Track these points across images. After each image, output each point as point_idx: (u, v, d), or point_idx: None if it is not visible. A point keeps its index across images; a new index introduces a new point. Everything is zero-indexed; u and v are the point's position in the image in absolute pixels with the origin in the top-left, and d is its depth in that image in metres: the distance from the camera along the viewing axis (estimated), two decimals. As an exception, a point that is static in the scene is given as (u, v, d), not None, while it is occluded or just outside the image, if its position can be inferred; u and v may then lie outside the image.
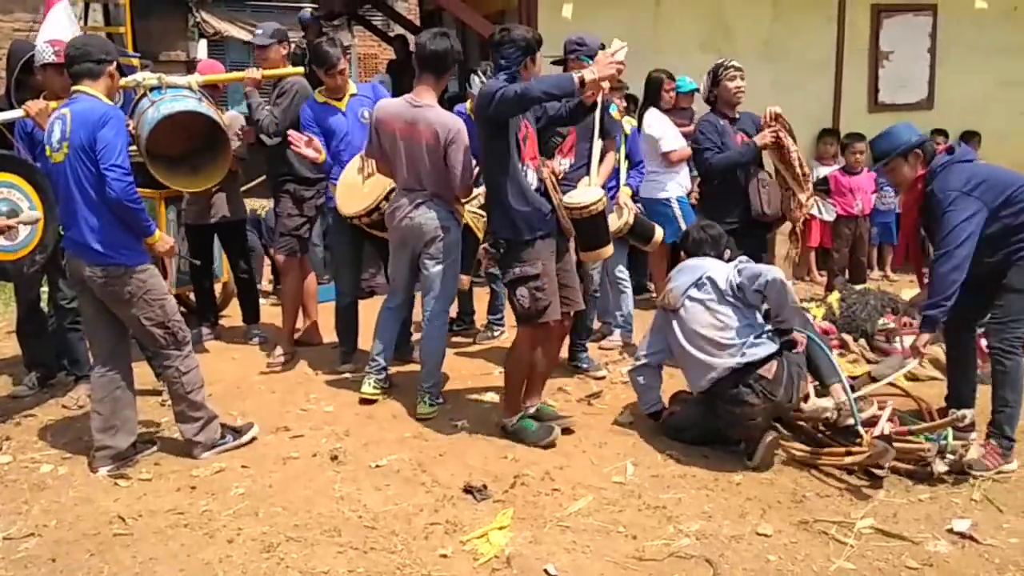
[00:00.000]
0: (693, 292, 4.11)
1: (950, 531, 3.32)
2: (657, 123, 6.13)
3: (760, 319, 4.04)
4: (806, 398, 3.98)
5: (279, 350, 5.43)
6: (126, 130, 3.83)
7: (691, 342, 4.04)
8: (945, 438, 3.83)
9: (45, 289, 5.03)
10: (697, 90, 6.78)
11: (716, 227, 4.46)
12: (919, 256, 4.22)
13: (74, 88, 3.82)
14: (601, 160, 4.81)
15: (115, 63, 3.89)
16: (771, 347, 3.90)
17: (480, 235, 4.90)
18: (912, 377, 5.00)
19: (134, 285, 3.81)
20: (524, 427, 4.24)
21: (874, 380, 4.71)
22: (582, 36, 4.73)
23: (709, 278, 4.10)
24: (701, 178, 5.30)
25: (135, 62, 5.65)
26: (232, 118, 5.71)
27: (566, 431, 4.32)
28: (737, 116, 5.19)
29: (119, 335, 4.00)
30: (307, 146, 4.89)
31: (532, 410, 4.36)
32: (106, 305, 3.89)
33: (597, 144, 4.70)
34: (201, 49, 12.46)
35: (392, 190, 4.64)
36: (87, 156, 3.69)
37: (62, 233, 3.98)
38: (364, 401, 4.69)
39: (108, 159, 3.65)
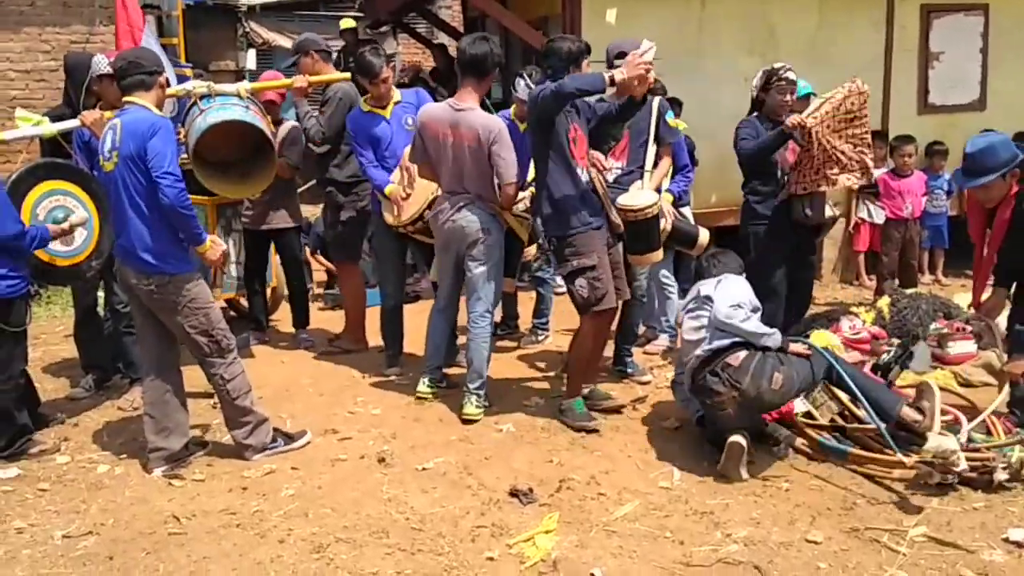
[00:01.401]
0: (690, 306, 4.19)
1: (1006, 540, 3.24)
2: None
3: None
4: (786, 390, 3.84)
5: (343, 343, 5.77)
6: (175, 138, 3.93)
7: (684, 354, 4.12)
8: (1012, 450, 3.75)
9: (102, 293, 5.16)
10: (814, 94, 6.75)
11: (729, 253, 4.45)
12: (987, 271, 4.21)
13: (125, 99, 3.92)
14: (655, 165, 4.88)
15: (164, 74, 3.99)
16: (738, 338, 3.87)
17: (524, 238, 4.92)
18: (965, 383, 4.92)
19: (179, 294, 3.89)
20: (574, 407, 4.46)
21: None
22: (619, 44, 4.74)
23: (698, 292, 4.19)
24: (744, 178, 5.23)
25: (188, 72, 5.78)
26: (289, 127, 5.79)
27: (616, 411, 4.60)
28: (782, 120, 5.11)
29: (168, 340, 4.09)
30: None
31: (586, 391, 4.56)
32: (152, 312, 3.98)
33: (651, 149, 4.78)
34: (250, 59, 12.66)
35: (436, 198, 4.69)
36: (136, 166, 3.78)
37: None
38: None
39: (160, 167, 3.73)
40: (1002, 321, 4.98)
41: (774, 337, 3.88)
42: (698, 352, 3.96)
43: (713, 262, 4.37)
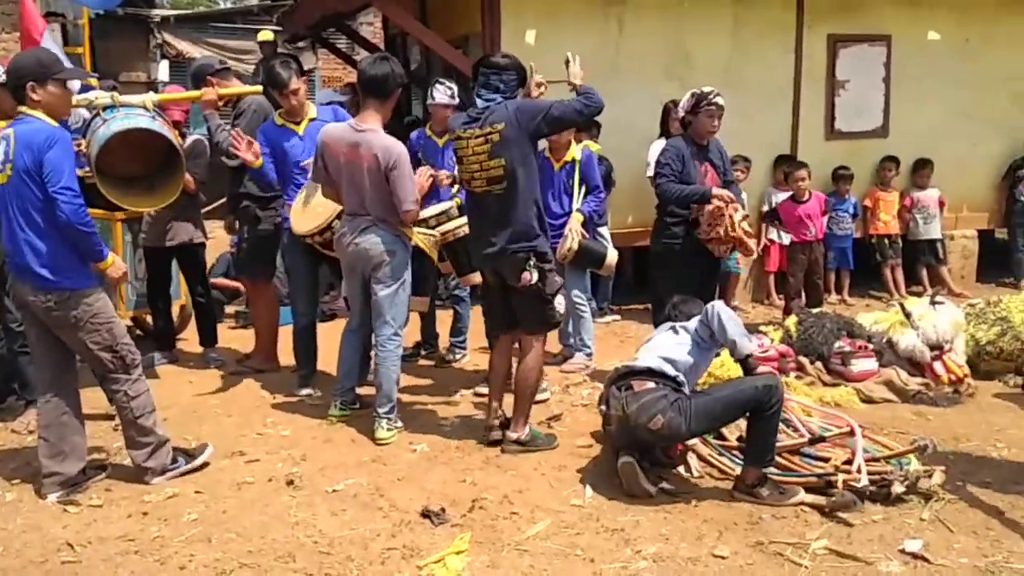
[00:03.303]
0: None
1: (902, 551, 3.34)
2: (652, 151, 6.54)
3: (687, 356, 4.00)
4: (665, 435, 3.78)
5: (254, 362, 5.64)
6: (73, 151, 3.75)
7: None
8: (909, 463, 3.88)
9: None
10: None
11: (691, 301, 4.45)
12: None
13: (19, 108, 3.75)
14: None
15: (29, 83, 3.66)
16: (654, 364, 3.89)
17: (434, 256, 4.88)
18: (867, 400, 5.08)
19: (80, 309, 3.74)
20: (536, 435, 4.42)
21: None
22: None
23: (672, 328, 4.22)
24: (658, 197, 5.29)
25: (93, 82, 5.59)
26: (194, 142, 5.68)
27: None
28: (706, 143, 5.17)
29: (65, 360, 3.93)
30: (246, 149, 4.89)
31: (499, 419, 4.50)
32: (51, 329, 3.81)
33: None
34: (163, 70, 12.32)
35: (342, 211, 4.64)
36: (31, 179, 3.60)
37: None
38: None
39: (56, 182, 3.57)
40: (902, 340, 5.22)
41: (750, 345, 3.96)
42: (619, 364, 3.98)
43: (676, 312, 4.37)
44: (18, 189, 3.64)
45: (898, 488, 3.70)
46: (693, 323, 4.09)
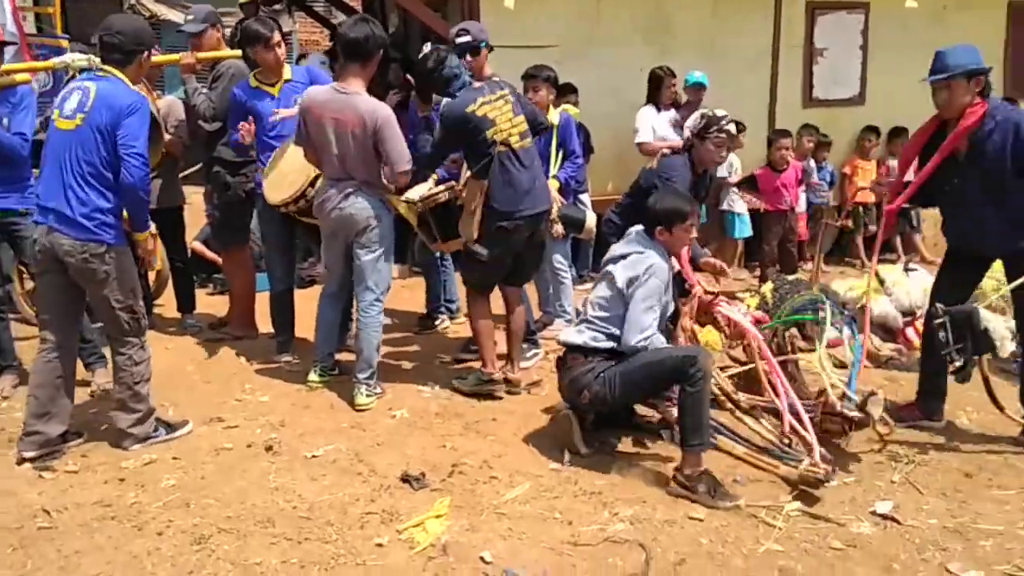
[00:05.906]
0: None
1: (873, 513, 3.42)
2: (640, 118, 6.66)
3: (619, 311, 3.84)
4: (596, 404, 3.87)
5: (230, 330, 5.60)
6: (149, 121, 3.85)
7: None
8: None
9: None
10: (704, 85, 6.83)
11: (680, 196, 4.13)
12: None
13: (101, 67, 3.84)
14: None
15: (146, 52, 3.91)
16: (581, 341, 3.85)
17: (414, 223, 4.84)
18: (841, 364, 5.11)
19: (111, 264, 3.80)
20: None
21: None
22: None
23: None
24: None
25: (64, 43, 5.49)
26: (169, 103, 5.59)
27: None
28: (704, 172, 4.76)
29: (74, 324, 3.99)
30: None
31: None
32: (69, 289, 3.84)
33: None
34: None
35: (318, 176, 4.59)
36: (103, 136, 3.70)
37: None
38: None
39: (131, 146, 3.70)
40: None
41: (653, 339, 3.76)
42: (561, 338, 4.03)
43: (660, 210, 3.94)
44: (84, 141, 3.71)
45: (875, 411, 3.76)
46: (622, 277, 3.80)
